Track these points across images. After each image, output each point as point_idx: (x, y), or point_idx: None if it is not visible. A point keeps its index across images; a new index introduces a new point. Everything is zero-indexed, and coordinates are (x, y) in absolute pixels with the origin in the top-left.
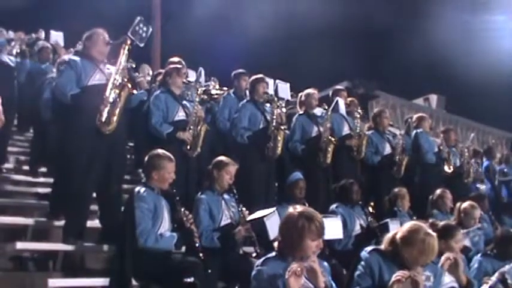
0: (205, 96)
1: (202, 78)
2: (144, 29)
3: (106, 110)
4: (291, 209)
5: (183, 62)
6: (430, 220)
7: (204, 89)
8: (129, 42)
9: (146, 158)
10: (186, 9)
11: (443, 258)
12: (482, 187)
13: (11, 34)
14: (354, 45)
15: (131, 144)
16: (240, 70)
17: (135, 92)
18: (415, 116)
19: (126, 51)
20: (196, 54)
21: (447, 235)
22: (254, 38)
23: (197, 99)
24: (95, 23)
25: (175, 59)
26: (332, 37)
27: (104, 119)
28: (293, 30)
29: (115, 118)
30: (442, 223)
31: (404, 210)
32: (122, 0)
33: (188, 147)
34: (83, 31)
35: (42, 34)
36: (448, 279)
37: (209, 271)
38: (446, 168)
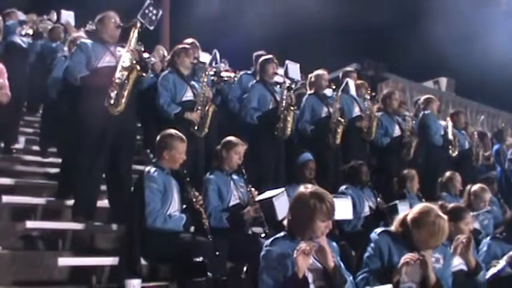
0: (216, 78)
1: (218, 60)
2: (154, 12)
3: (115, 92)
4: (302, 188)
5: (197, 43)
6: (440, 202)
7: (214, 70)
8: (139, 25)
9: (158, 138)
10: (196, 13)
11: (455, 240)
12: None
13: (22, 15)
14: (364, 29)
15: (139, 124)
16: (261, 52)
17: (144, 74)
18: (422, 98)
19: (135, 34)
20: (207, 36)
21: (457, 217)
22: (266, 22)
23: (205, 80)
24: (105, 4)
25: (189, 40)
26: (342, 20)
27: (112, 101)
28: (303, 18)
29: (124, 100)
30: (451, 205)
31: (413, 192)
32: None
33: (196, 127)
34: (94, 11)
35: (54, 16)
36: (457, 261)
37: (217, 253)
38: (451, 151)
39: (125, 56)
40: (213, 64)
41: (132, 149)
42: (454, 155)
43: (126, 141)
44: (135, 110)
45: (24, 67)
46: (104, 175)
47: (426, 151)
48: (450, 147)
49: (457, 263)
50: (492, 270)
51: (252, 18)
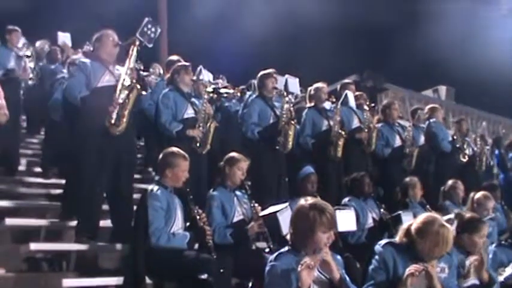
0: (215, 95)
1: (202, 76)
2: (153, 29)
3: (115, 111)
4: (302, 201)
5: (182, 60)
6: (456, 210)
7: (213, 87)
8: (137, 43)
9: (160, 156)
10: (193, 8)
11: (468, 262)
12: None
13: (23, 39)
14: (361, 39)
15: (141, 143)
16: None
17: (144, 93)
18: (427, 107)
19: (134, 52)
20: (205, 53)
21: (472, 229)
22: (261, 35)
23: (206, 97)
24: (101, 24)
25: (174, 57)
26: (339, 31)
27: (113, 121)
28: (300, 26)
29: (124, 119)
30: (468, 215)
31: (416, 200)
32: (127, 2)
33: (198, 144)
34: (90, 32)
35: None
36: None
37: (221, 270)
38: (461, 157)
39: (125, 75)
40: (201, 79)
41: (133, 167)
42: (464, 160)
43: (127, 160)
44: (134, 129)
45: (18, 89)
46: (105, 194)
47: (436, 158)
48: (460, 152)
49: (470, 278)
50: (499, 278)
51: (253, 32)
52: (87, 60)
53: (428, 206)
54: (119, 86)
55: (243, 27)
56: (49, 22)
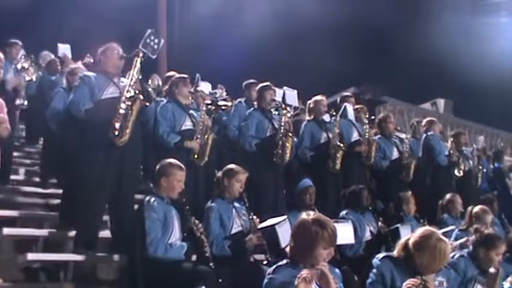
0: (213, 107)
1: (200, 86)
2: (156, 40)
3: (119, 123)
4: (304, 215)
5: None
6: (475, 226)
7: (211, 99)
8: (141, 55)
9: (157, 167)
10: (193, 8)
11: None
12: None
13: (22, 50)
14: (360, 51)
15: None
16: (251, 80)
17: (148, 104)
18: (424, 120)
19: (138, 64)
20: (204, 60)
21: (489, 244)
22: (260, 43)
23: (204, 109)
24: (102, 30)
25: (172, 73)
26: (337, 44)
27: (116, 132)
28: (299, 38)
29: (128, 130)
30: (487, 231)
31: (410, 214)
32: (127, 7)
33: (195, 156)
34: (90, 30)
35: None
36: None
37: (220, 280)
38: (456, 172)
39: (128, 86)
40: (198, 89)
41: (136, 179)
42: (459, 175)
43: (130, 173)
44: (140, 140)
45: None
46: (106, 205)
47: (432, 171)
48: (456, 167)
49: None
50: None
51: (251, 41)
52: (91, 74)
53: (422, 220)
54: (122, 98)
55: (244, 27)
56: (46, 25)
